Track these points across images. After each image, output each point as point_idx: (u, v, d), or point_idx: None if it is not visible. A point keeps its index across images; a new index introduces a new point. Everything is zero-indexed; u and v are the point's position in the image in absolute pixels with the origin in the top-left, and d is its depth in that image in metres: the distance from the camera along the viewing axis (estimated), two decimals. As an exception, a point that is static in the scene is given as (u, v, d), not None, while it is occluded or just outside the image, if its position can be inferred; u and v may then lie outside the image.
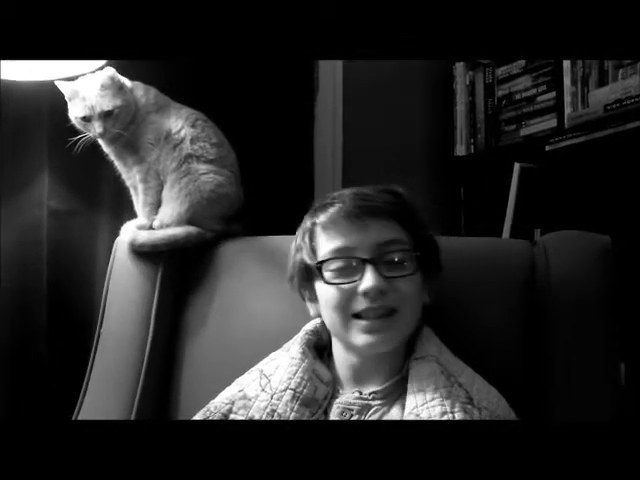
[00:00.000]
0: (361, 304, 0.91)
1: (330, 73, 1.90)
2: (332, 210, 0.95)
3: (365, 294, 0.90)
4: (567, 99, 1.74)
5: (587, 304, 1.06)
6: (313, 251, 0.97)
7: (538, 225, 1.70)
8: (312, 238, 0.97)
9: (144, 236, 1.23)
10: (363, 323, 0.91)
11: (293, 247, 1.02)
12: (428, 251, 0.97)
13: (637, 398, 1.37)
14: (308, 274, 0.98)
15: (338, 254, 0.93)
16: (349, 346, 0.95)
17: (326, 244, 0.95)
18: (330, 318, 0.95)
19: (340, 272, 0.93)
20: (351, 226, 0.93)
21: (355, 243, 0.92)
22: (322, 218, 0.96)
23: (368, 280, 0.89)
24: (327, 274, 0.94)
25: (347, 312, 0.92)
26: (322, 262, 0.94)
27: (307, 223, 0.99)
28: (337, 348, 0.99)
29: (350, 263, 0.92)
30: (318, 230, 0.97)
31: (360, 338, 0.92)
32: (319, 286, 0.96)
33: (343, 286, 0.92)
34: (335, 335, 0.97)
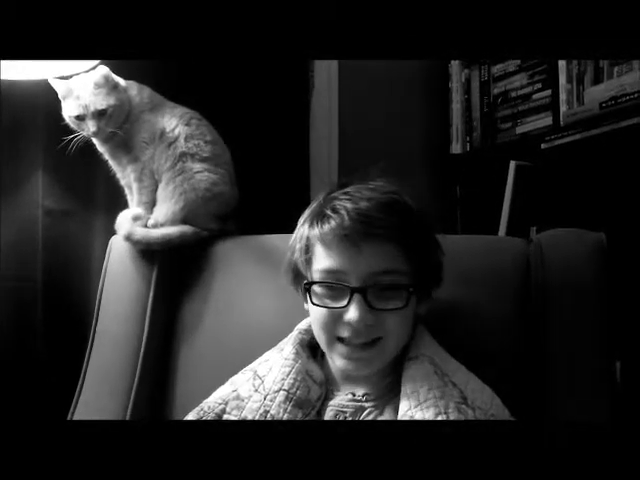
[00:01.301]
0: (345, 331, 0.89)
1: (325, 70, 1.90)
2: (327, 227, 0.89)
3: (349, 324, 0.88)
4: (562, 97, 1.74)
5: (582, 301, 1.06)
6: (307, 263, 0.94)
7: (534, 223, 1.69)
8: (307, 249, 0.94)
9: (140, 233, 1.23)
10: (345, 349, 0.90)
11: (290, 244, 0.99)
12: (428, 277, 0.94)
13: (633, 396, 1.37)
14: (300, 276, 0.97)
15: (328, 277, 0.90)
16: (333, 364, 0.95)
17: (318, 262, 0.92)
18: (317, 334, 0.95)
19: (327, 294, 0.91)
20: (345, 250, 0.88)
21: (347, 268, 0.88)
22: (317, 232, 0.91)
23: (354, 312, 0.87)
24: (315, 295, 0.92)
25: (332, 334, 0.91)
26: (310, 284, 0.92)
27: (304, 229, 0.95)
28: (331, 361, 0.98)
29: (339, 287, 0.89)
30: (313, 244, 0.93)
31: (341, 362, 0.91)
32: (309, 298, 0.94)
33: (330, 309, 0.90)
34: (321, 347, 0.96)
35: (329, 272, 0.90)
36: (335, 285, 0.90)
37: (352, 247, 0.88)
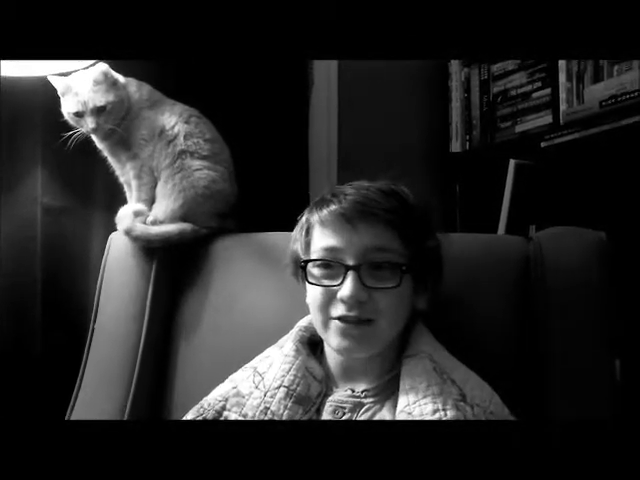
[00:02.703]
0: (338, 310, 0.91)
1: (325, 68, 1.89)
2: (327, 210, 0.93)
3: (342, 301, 0.90)
4: (562, 95, 1.74)
5: (582, 300, 1.06)
6: (307, 245, 0.97)
7: (533, 221, 1.69)
8: (307, 233, 0.97)
9: (140, 229, 1.23)
10: (339, 326, 0.91)
11: (292, 236, 1.01)
12: (424, 264, 0.95)
13: (632, 394, 1.37)
14: (300, 265, 0.98)
15: (325, 254, 0.93)
16: (329, 346, 0.96)
17: (316, 242, 0.95)
18: (313, 315, 0.96)
19: (323, 274, 0.93)
20: (341, 227, 0.92)
21: (342, 245, 0.91)
22: (317, 216, 0.95)
23: (347, 288, 0.89)
24: (311, 276, 0.94)
25: (327, 314, 0.92)
26: (306, 261, 0.95)
27: (304, 217, 0.99)
28: (328, 345, 0.98)
29: (334, 266, 0.92)
30: (312, 226, 0.96)
31: (336, 340, 0.92)
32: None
33: (325, 287, 0.92)
34: (318, 332, 0.97)
35: (325, 250, 0.93)
36: (330, 263, 0.92)
37: (348, 225, 0.91)
